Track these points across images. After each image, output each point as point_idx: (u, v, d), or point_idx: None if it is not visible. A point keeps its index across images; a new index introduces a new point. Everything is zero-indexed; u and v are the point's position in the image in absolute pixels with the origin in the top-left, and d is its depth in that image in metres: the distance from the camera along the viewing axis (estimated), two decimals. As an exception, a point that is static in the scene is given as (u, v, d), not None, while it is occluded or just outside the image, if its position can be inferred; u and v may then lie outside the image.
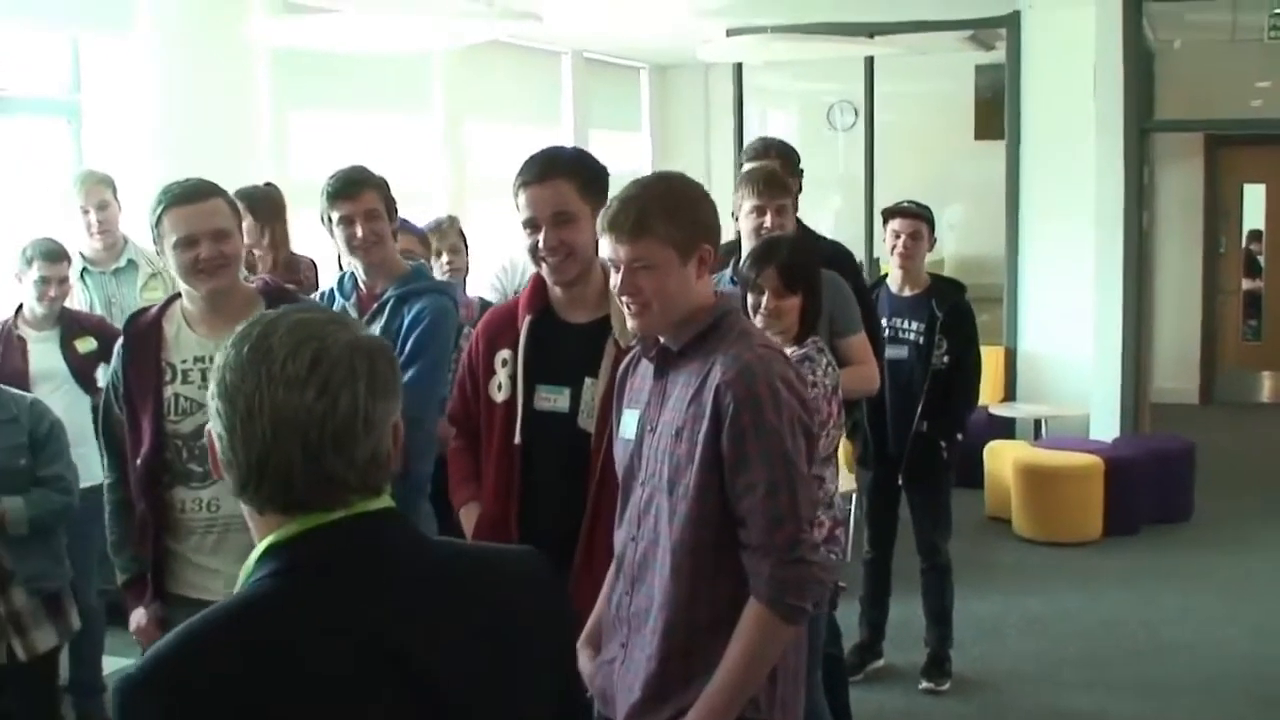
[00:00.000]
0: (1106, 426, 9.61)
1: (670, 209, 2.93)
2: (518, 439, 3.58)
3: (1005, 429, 10.02)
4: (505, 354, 3.64)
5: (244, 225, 5.57)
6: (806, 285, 4.34)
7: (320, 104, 8.90)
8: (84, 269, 6.18)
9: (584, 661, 3.21)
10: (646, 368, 3.09)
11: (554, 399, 3.55)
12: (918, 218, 6.21)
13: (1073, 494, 8.69)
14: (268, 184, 6.27)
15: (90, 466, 4.68)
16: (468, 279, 6.08)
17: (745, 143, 9.93)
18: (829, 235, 5.91)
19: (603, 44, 12.22)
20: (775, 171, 5.29)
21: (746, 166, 5.55)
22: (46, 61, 7.31)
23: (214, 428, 1.69)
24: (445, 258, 5.88)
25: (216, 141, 7.38)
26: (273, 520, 1.68)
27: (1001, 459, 9.14)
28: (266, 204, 5.99)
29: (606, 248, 2.98)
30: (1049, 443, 9.44)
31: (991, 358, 10.41)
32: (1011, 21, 10.41)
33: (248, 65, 7.95)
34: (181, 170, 3.92)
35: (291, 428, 1.63)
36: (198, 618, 1.63)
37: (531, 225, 3.49)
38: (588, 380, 3.50)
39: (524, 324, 3.62)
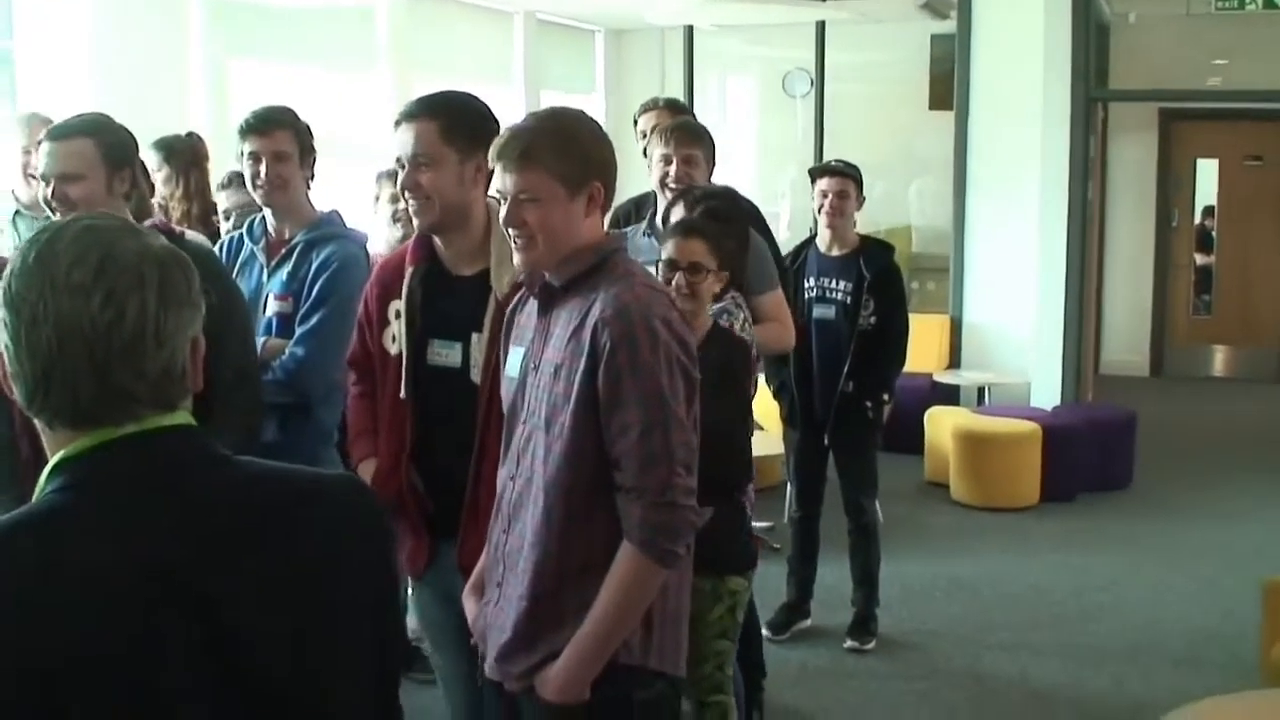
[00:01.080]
0: (1048, 395, 9.65)
1: (560, 143, 2.88)
2: (403, 394, 3.51)
3: (949, 397, 10.03)
4: (398, 304, 3.56)
5: (160, 174, 5.59)
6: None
7: (264, 54, 8.83)
8: (16, 213, 6.10)
9: (470, 607, 3.19)
10: (533, 305, 3.04)
11: (446, 354, 3.48)
12: (845, 176, 6.18)
13: (1010, 460, 8.71)
14: (190, 133, 6.19)
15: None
16: None
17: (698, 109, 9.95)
18: (783, 203, 5.87)
19: (556, 5, 12.15)
20: (686, 122, 5.27)
21: (641, 119, 5.57)
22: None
23: (0, 338, 1.61)
24: (389, 206, 5.78)
25: (152, 89, 7.30)
26: (63, 436, 1.61)
27: (941, 425, 9.16)
28: (184, 152, 5.89)
29: (496, 180, 2.93)
30: (989, 410, 9.47)
31: (937, 326, 10.46)
32: (963, -12, 10.38)
33: (183, 10, 7.86)
34: (116, 118, 3.86)
35: (76, 337, 1.56)
36: None
37: (398, 163, 3.41)
38: (475, 335, 3.42)
39: (408, 275, 3.54)
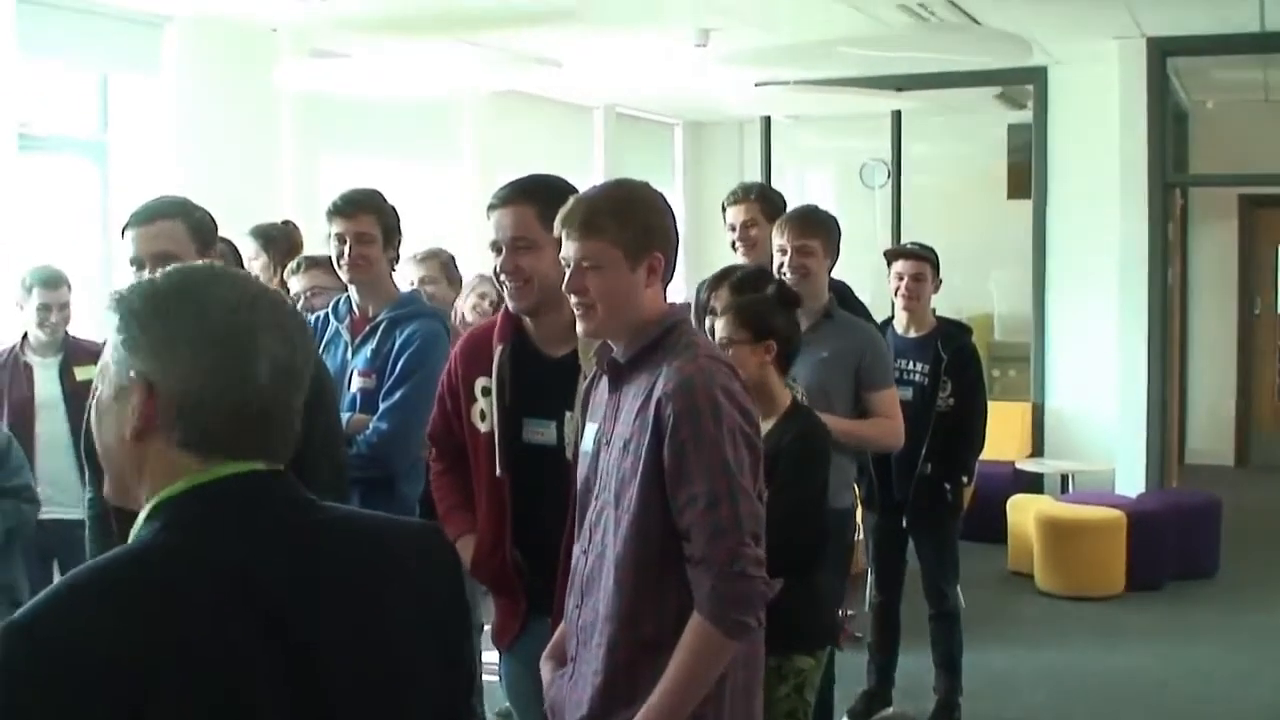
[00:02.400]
0: (1132, 482, 9.55)
1: (622, 212, 2.93)
2: (499, 473, 3.53)
3: (1032, 485, 9.96)
4: (484, 381, 3.58)
5: (258, 262, 5.74)
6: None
7: (351, 149, 9.03)
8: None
9: (545, 673, 3.21)
10: (606, 381, 3.08)
11: (541, 432, 3.50)
12: (921, 259, 6.20)
13: (1094, 548, 8.60)
14: (285, 221, 6.34)
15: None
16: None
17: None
18: (862, 293, 5.83)
19: (635, 99, 12.34)
20: (804, 212, 5.27)
21: (729, 211, 5.57)
22: (75, 101, 7.45)
23: (176, 369, 1.65)
24: (428, 288, 5.87)
25: (242, 183, 7.50)
26: (179, 461, 1.66)
27: (1024, 513, 9.07)
28: (280, 240, 6.05)
29: (563, 248, 2.97)
30: (1072, 497, 9.38)
31: (1019, 414, 10.41)
32: (1038, 77, 10.43)
33: (274, 108, 8.09)
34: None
35: (280, 370, 1.68)
36: (86, 566, 1.62)
37: (495, 248, 3.45)
38: (568, 414, 3.44)
39: (497, 353, 3.56)
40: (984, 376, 6.34)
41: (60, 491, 5.52)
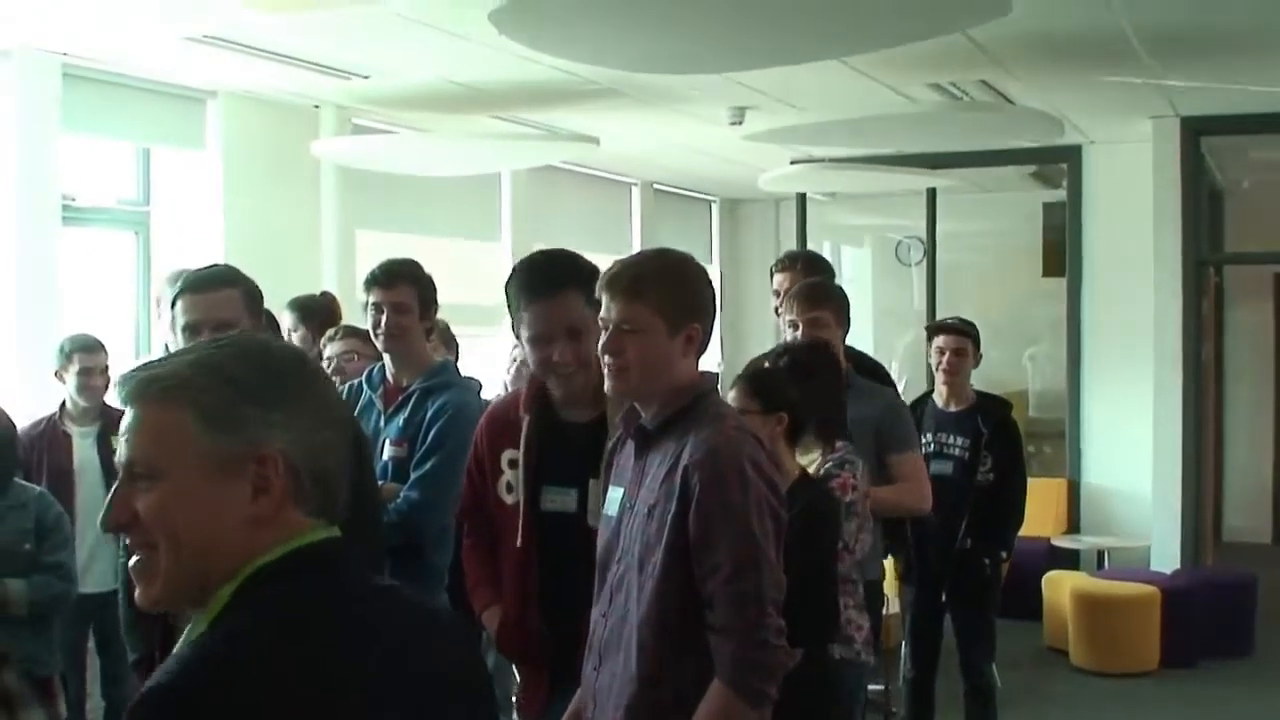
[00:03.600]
0: (1167, 558, 9.50)
1: (667, 281, 3.01)
2: (520, 543, 3.55)
3: (1068, 561, 9.92)
4: (511, 454, 3.62)
5: (297, 334, 5.83)
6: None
7: (390, 225, 9.15)
8: None
9: None
10: (631, 446, 3.13)
11: (560, 499, 3.53)
12: (962, 334, 6.25)
13: (1129, 624, 8.57)
14: (324, 292, 6.44)
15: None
16: None
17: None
18: (897, 369, 5.88)
19: (672, 176, 12.46)
20: (812, 285, 5.33)
21: (775, 278, 5.62)
22: (117, 173, 7.59)
23: (309, 443, 1.68)
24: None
25: (283, 256, 7.61)
26: (304, 521, 1.68)
27: (1059, 589, 9.05)
28: (319, 311, 6.14)
29: (602, 310, 3.03)
30: (1107, 573, 9.33)
31: (1054, 490, 10.39)
32: (1072, 156, 10.51)
33: (315, 182, 8.22)
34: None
35: (344, 432, 1.76)
36: (220, 639, 1.58)
37: (543, 340, 3.47)
38: (592, 481, 3.46)
39: (526, 424, 3.59)
40: (1024, 452, 6.33)
41: (98, 561, 5.60)
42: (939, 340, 6.30)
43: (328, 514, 1.70)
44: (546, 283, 3.47)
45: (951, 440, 6.22)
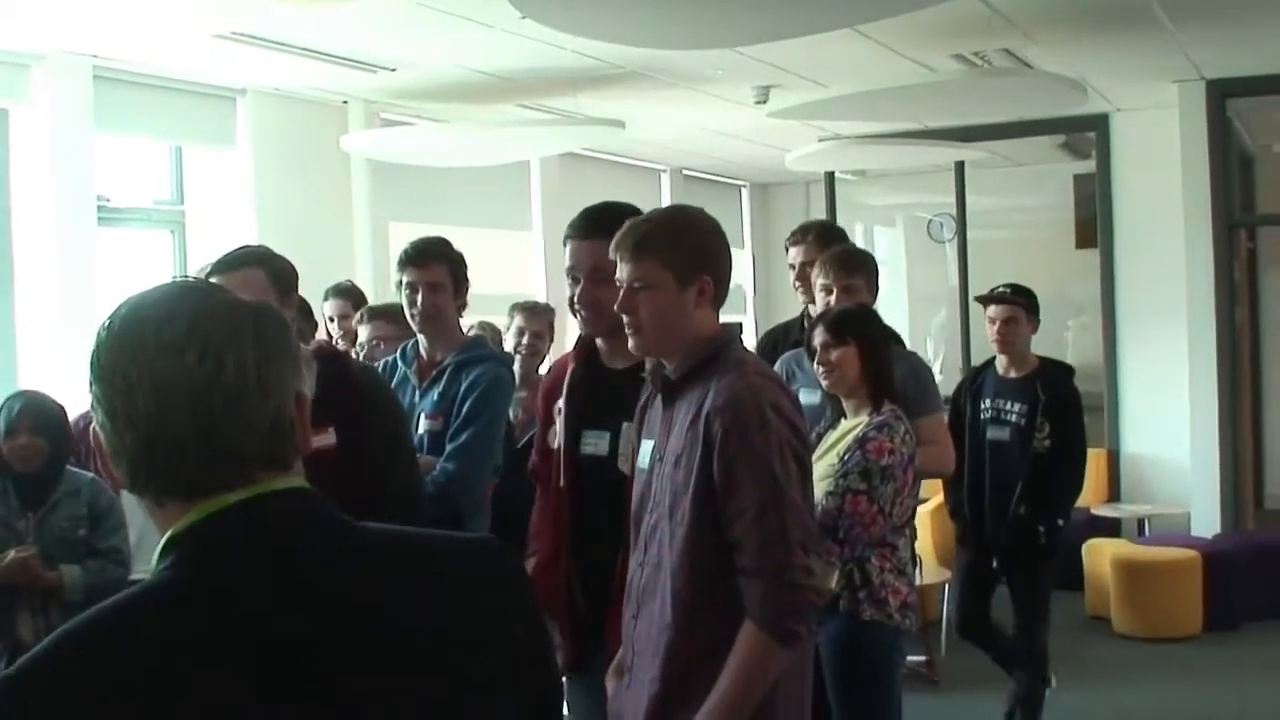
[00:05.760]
0: (1207, 524, 9.49)
1: (673, 236, 3.06)
2: (562, 483, 3.65)
3: (1109, 530, 9.89)
4: (561, 403, 3.72)
5: (351, 320, 5.96)
6: (857, 336, 4.40)
7: (422, 217, 9.21)
8: None
9: (610, 687, 3.29)
10: (660, 398, 3.19)
11: (596, 444, 3.61)
12: (1011, 303, 6.24)
13: (1170, 589, 8.57)
14: (349, 281, 6.57)
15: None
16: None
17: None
18: (932, 347, 5.88)
19: (701, 162, 12.51)
20: (846, 251, 5.36)
21: (790, 251, 5.63)
22: (151, 173, 7.71)
23: (96, 419, 1.51)
24: (525, 338, 6.07)
25: (317, 250, 7.70)
26: (174, 511, 1.50)
27: (1100, 557, 9.04)
28: (345, 299, 6.30)
29: (617, 270, 3.10)
30: (1147, 539, 9.33)
31: (1094, 460, 10.37)
32: (1100, 125, 10.50)
33: (345, 176, 8.31)
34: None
35: (176, 397, 1.46)
36: (85, 615, 1.45)
37: (572, 276, 3.57)
38: (625, 425, 3.52)
39: (570, 371, 3.71)
40: (1082, 419, 6.27)
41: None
42: (990, 311, 6.29)
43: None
44: (591, 224, 3.54)
45: (1009, 407, 6.19)
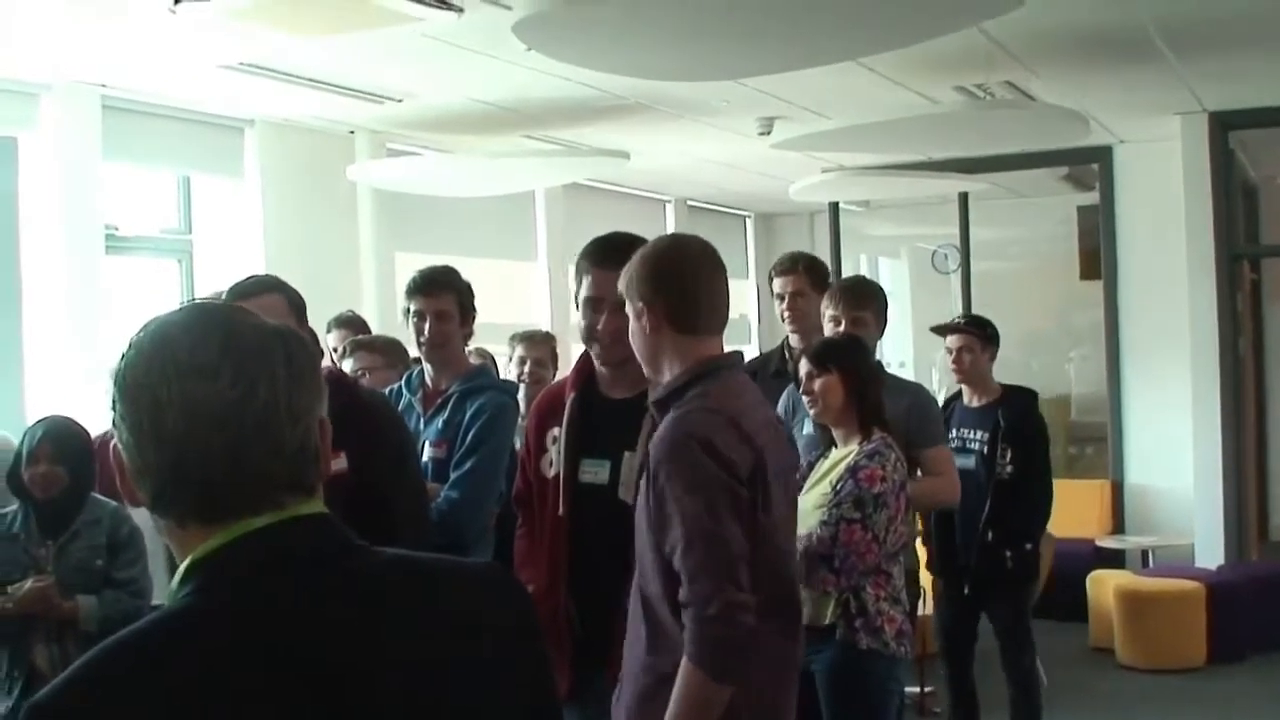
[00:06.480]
0: (1211, 555, 9.47)
1: (636, 259, 3.11)
2: (561, 511, 3.65)
3: (1113, 561, 9.88)
4: (555, 431, 3.73)
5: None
6: (840, 365, 4.42)
7: (429, 247, 9.25)
8: None
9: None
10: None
11: (595, 472, 3.62)
12: (965, 332, 6.30)
13: (1174, 620, 8.55)
14: (351, 311, 6.61)
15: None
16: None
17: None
18: (937, 378, 5.94)
19: (706, 192, 12.55)
20: (857, 283, 5.36)
21: (776, 281, 5.59)
22: (159, 203, 7.75)
23: (119, 438, 1.52)
24: (527, 367, 6.10)
25: (324, 280, 7.73)
26: (195, 533, 1.50)
27: (1104, 588, 9.03)
28: (348, 329, 6.33)
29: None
30: (1151, 571, 9.32)
31: (1098, 491, 10.39)
32: (1103, 157, 10.53)
33: (352, 206, 8.36)
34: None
35: (208, 418, 1.46)
36: (111, 640, 1.45)
37: (592, 306, 3.58)
38: (627, 454, 3.54)
39: (569, 401, 3.71)
40: (1045, 442, 6.31)
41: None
42: (947, 341, 6.36)
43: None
44: (612, 253, 3.51)
45: (973, 435, 6.23)
